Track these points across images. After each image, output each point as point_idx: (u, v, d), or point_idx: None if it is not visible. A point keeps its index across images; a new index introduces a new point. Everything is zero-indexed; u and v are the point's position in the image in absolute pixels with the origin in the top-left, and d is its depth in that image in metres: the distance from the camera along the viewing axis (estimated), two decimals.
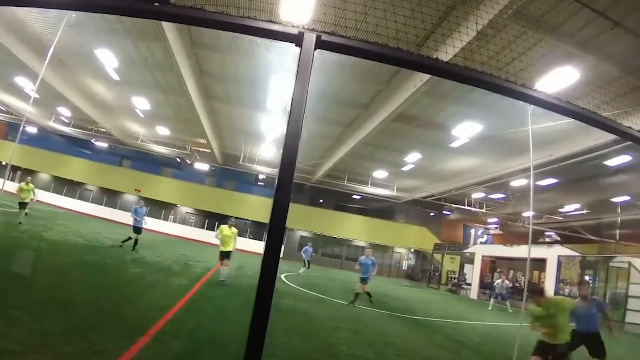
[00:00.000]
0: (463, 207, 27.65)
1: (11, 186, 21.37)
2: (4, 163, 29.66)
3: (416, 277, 32.60)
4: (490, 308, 16.57)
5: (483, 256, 24.89)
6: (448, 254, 29.49)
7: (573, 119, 3.17)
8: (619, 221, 20.47)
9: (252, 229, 31.13)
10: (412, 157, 20.77)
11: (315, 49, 2.50)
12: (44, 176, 32.44)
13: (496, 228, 29.10)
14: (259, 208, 30.80)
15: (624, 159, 14.23)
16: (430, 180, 25.32)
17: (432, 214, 34.39)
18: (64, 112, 26.43)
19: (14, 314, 4.21)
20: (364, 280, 10.70)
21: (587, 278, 18.19)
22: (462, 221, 35.23)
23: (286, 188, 2.28)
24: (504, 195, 23.63)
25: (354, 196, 32.86)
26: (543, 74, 9.53)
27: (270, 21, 2.57)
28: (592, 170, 16.43)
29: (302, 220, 30.58)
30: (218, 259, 10.16)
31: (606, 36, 8.61)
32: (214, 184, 34.63)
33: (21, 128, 26.68)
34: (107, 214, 28.80)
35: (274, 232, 2.23)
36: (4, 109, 28.39)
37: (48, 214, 19.90)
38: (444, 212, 33.99)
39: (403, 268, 34.47)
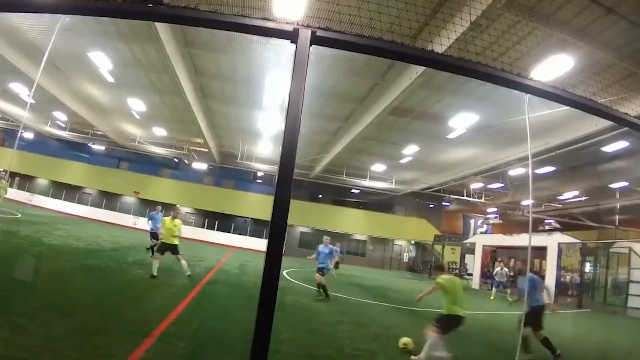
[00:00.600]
0: (462, 197, 27.70)
1: (11, 194, 21.31)
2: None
3: (417, 269, 32.75)
4: (492, 297, 16.65)
5: (483, 246, 24.99)
6: (448, 244, 29.62)
7: (569, 107, 3.19)
8: (618, 207, 20.54)
9: (252, 227, 31.12)
10: (410, 150, 20.74)
11: (310, 45, 2.50)
12: (42, 181, 32.37)
13: (496, 217, 29.18)
14: (258, 205, 30.73)
15: (621, 144, 14.25)
16: (429, 172, 25.31)
17: (431, 206, 34.46)
18: (60, 116, 26.27)
19: (17, 320, 4.21)
20: (321, 271, 10.05)
21: (587, 264, 18.39)
22: (462, 212, 35.31)
23: (286, 185, 2.29)
24: (502, 185, 23.69)
25: (353, 190, 32.88)
26: (538, 63, 9.49)
27: (264, 19, 2.57)
28: (590, 157, 16.46)
29: (302, 216, 30.56)
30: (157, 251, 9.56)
31: (600, 23, 8.57)
32: (213, 183, 34.59)
33: (19, 134, 26.51)
34: (106, 217, 28.81)
35: (275, 228, 2.25)
36: (1, 116, 28.23)
37: (48, 219, 19.88)
38: (443, 203, 34.05)
39: (404, 260, 34.61)
